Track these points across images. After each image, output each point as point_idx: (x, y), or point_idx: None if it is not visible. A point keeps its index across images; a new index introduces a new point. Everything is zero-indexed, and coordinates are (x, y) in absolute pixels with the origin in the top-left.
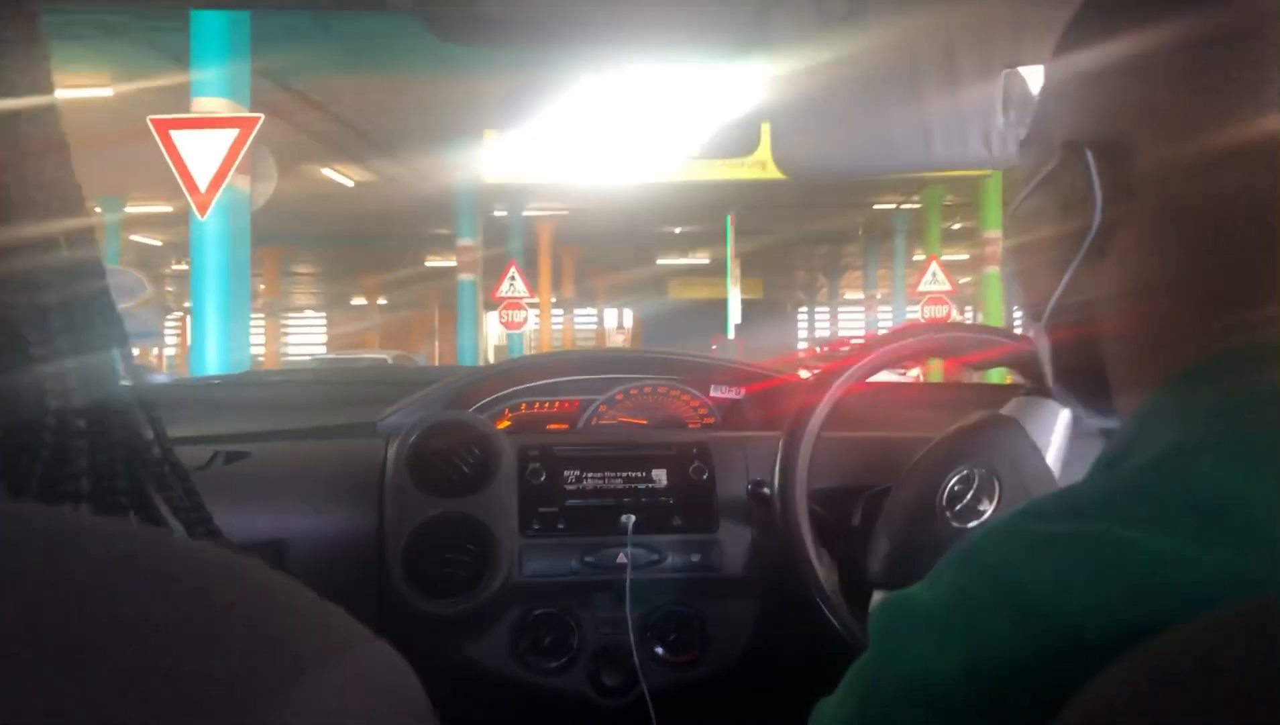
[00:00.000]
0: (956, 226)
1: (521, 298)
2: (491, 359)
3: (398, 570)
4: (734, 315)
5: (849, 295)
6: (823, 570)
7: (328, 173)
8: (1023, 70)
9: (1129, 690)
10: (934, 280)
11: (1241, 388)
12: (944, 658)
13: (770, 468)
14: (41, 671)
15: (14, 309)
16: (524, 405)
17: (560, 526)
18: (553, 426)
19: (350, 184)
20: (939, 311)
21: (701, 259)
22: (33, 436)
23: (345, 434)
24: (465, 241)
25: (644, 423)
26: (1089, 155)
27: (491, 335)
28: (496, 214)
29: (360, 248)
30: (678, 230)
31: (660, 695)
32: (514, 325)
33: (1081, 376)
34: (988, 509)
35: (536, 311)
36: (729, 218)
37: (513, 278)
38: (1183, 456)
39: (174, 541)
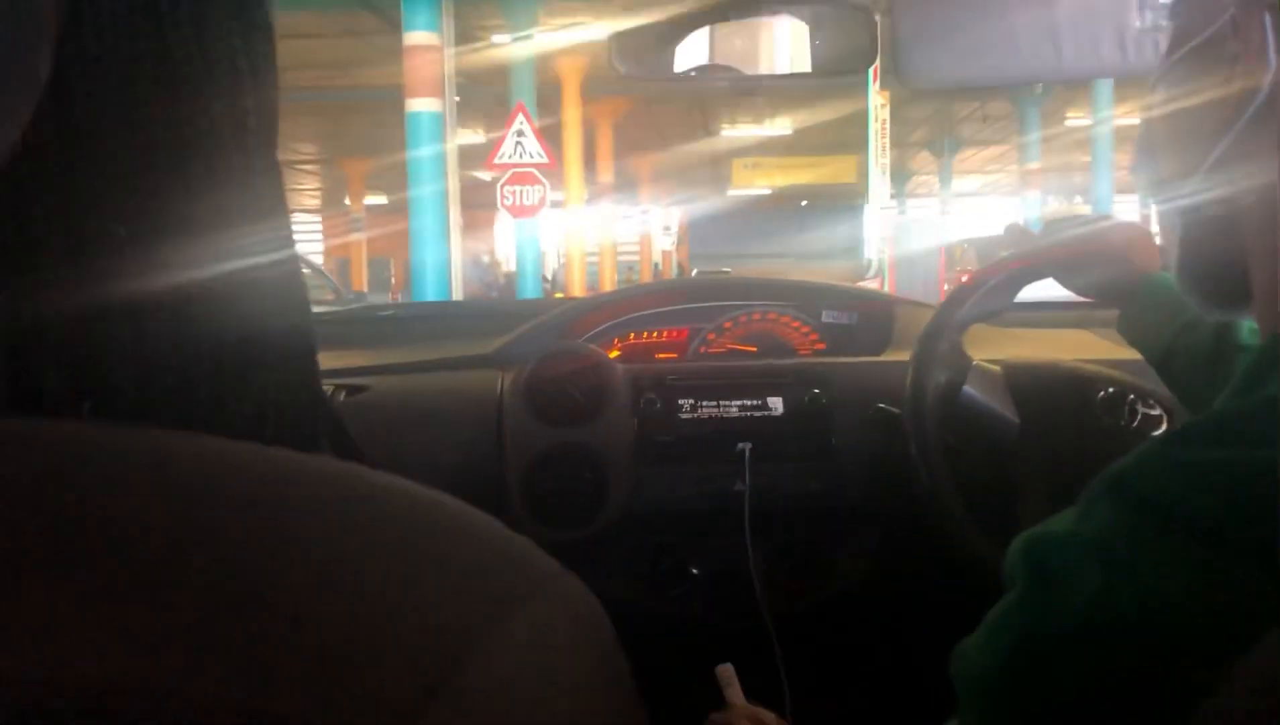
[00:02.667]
0: None
1: (535, 165)
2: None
3: (517, 499)
4: (874, 240)
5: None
6: (955, 498)
7: None
8: None
9: None
10: None
11: None
12: (1111, 595)
13: (889, 393)
14: (248, 624)
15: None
16: (632, 335)
17: (676, 455)
18: (661, 356)
19: None
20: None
21: (781, 129)
22: (209, 365)
23: (461, 366)
24: (418, 36)
25: (754, 350)
26: (1267, 17)
27: (484, 248)
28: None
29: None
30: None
31: (782, 622)
32: (524, 210)
33: (1216, 272)
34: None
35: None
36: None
37: (521, 131)
38: None
39: (369, 476)
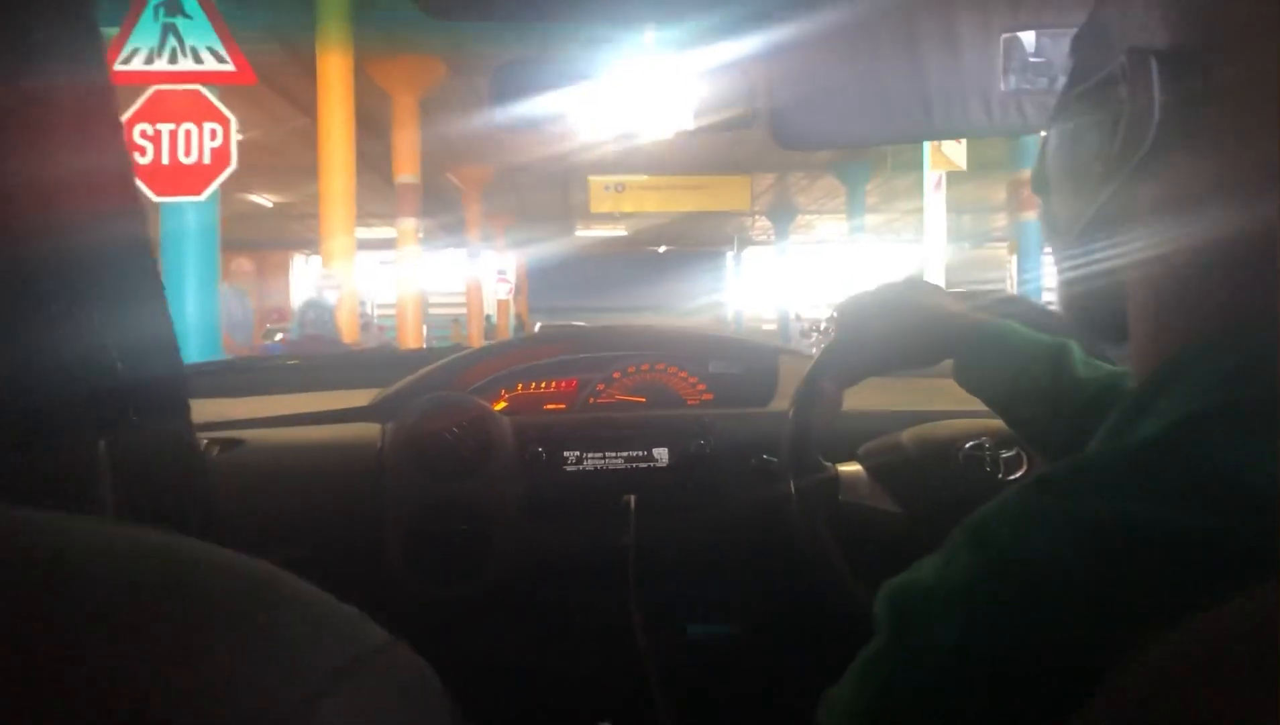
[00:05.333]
0: None
1: (207, 75)
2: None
3: (398, 555)
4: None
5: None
6: (836, 550)
7: None
8: (1021, 35)
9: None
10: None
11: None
12: (968, 647)
13: (772, 443)
14: (56, 696)
15: (65, 285)
16: (520, 386)
17: (563, 508)
18: (550, 407)
19: None
20: None
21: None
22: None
23: (341, 418)
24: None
25: (643, 401)
26: (1153, 64)
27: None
28: None
29: None
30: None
31: (667, 674)
32: (185, 177)
33: (1097, 314)
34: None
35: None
36: None
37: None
38: (1193, 428)
39: (191, 548)
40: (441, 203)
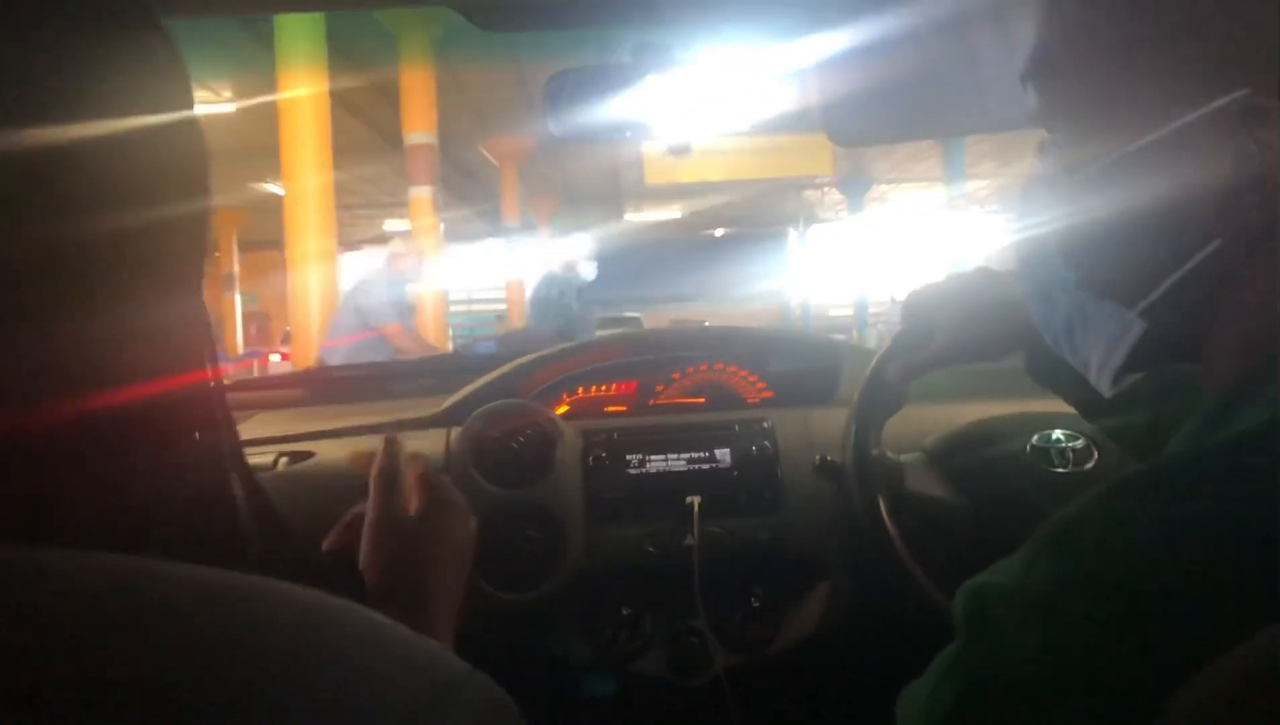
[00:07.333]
0: None
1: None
2: None
3: None
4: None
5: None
6: (902, 545)
7: None
8: None
9: (1238, 682)
10: None
11: None
12: (1050, 652)
13: (834, 442)
14: None
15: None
16: (580, 389)
17: (626, 512)
18: (611, 409)
19: None
20: None
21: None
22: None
23: (408, 428)
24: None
25: (702, 401)
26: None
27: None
28: None
29: None
30: None
31: (735, 675)
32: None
33: (1171, 347)
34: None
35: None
36: None
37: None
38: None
39: (271, 590)
40: (474, 183)
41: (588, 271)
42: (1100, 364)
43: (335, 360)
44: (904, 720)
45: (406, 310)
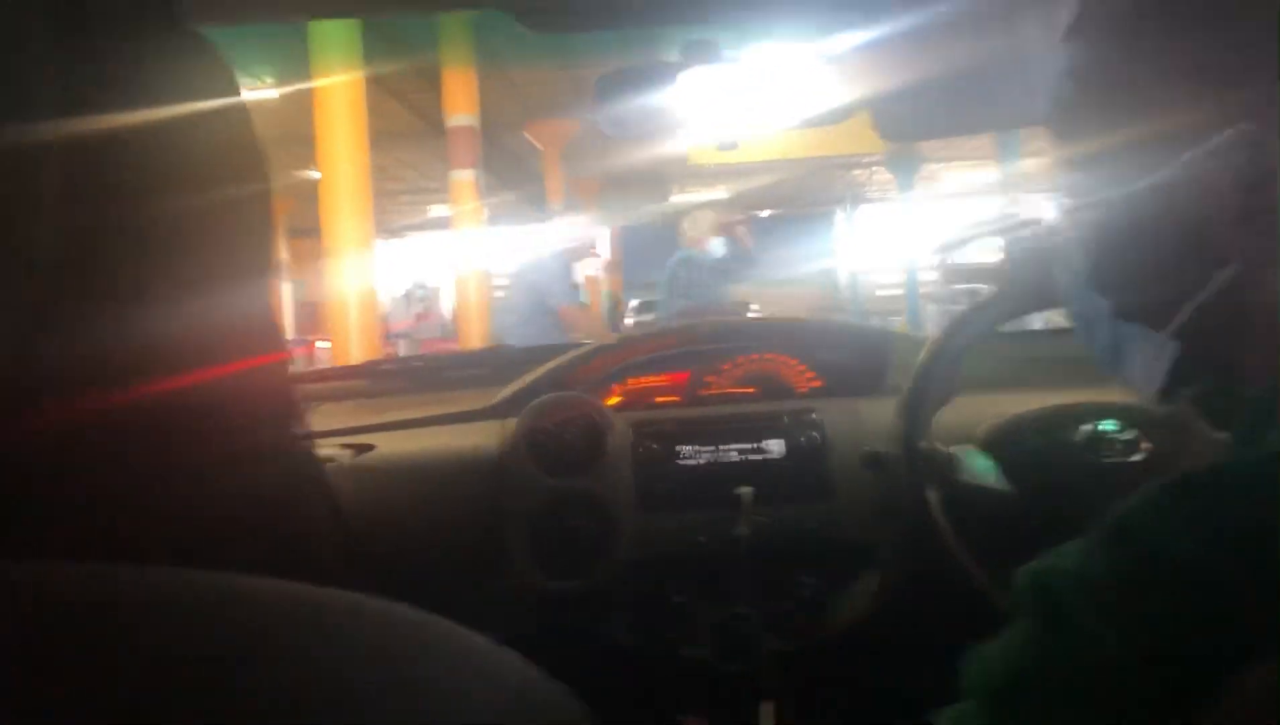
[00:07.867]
0: None
1: None
2: None
3: (520, 549)
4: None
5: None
6: (954, 537)
7: None
8: None
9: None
10: None
11: None
12: (1109, 635)
13: (884, 432)
14: None
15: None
16: (630, 379)
17: (677, 501)
18: (662, 399)
19: None
20: None
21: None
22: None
23: (465, 419)
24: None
25: (753, 391)
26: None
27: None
28: None
29: None
30: None
31: (783, 662)
32: None
33: (1212, 363)
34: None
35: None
36: None
37: None
38: None
39: (348, 602)
40: (518, 166)
41: (717, 249)
42: (1144, 385)
43: (512, 340)
44: (971, 677)
45: (575, 292)
